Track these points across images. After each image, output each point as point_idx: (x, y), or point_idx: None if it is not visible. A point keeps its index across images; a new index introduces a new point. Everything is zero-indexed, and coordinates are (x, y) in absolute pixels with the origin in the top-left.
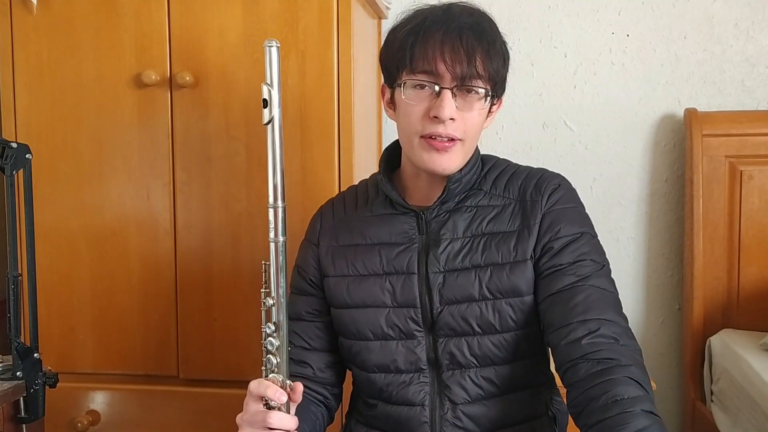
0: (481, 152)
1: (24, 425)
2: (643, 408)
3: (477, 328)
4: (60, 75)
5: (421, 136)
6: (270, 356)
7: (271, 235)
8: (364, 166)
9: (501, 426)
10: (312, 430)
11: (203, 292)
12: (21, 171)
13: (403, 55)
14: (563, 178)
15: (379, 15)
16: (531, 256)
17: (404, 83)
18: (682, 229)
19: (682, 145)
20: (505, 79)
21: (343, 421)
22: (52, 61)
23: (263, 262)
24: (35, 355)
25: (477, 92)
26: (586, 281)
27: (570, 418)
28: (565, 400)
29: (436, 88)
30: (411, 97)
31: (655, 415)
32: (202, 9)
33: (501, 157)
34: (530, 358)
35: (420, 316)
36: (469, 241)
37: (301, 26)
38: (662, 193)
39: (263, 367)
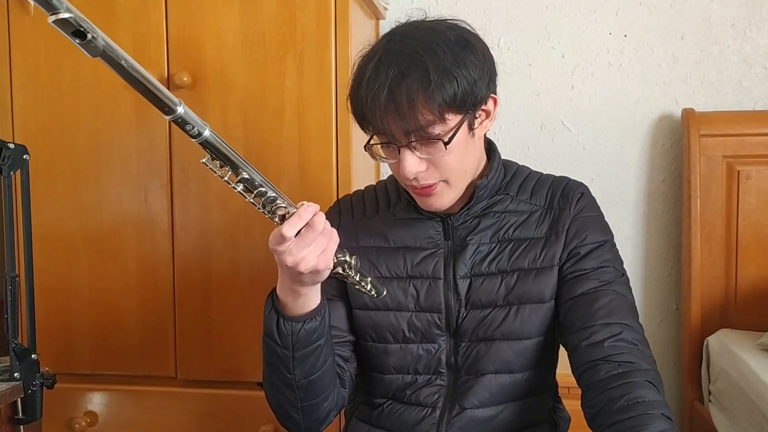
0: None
1: (22, 426)
2: (662, 412)
3: (499, 334)
4: (58, 76)
5: (405, 185)
6: (268, 206)
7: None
8: (362, 167)
9: (505, 431)
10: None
11: (201, 292)
12: (18, 172)
13: (357, 118)
14: (586, 186)
15: (377, 15)
16: (557, 262)
17: (372, 142)
18: (679, 229)
19: (680, 145)
20: (475, 84)
21: (341, 422)
22: (50, 62)
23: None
24: (33, 356)
25: (435, 138)
26: (609, 286)
27: (572, 423)
28: (566, 408)
29: (396, 145)
30: (382, 155)
31: (672, 420)
32: (199, 9)
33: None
34: (543, 366)
35: (444, 320)
36: (496, 246)
37: (299, 27)
38: (660, 193)
39: (275, 219)
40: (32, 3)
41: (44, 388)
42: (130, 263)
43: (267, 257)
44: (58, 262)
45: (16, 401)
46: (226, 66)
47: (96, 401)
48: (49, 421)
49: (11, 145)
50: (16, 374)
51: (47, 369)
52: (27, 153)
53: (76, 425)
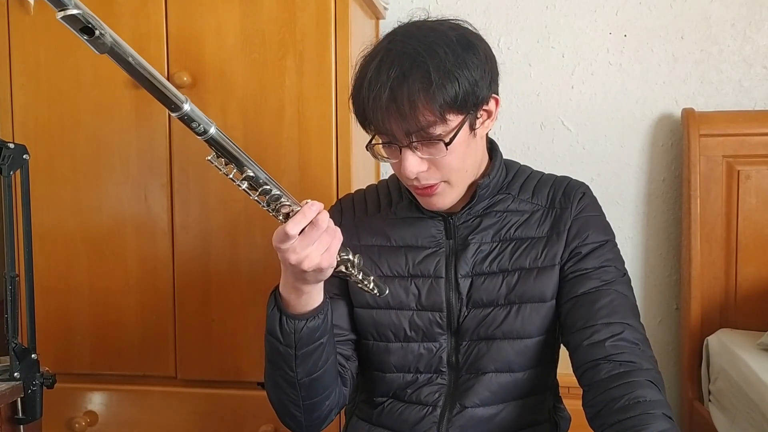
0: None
1: (22, 426)
2: (663, 411)
3: (500, 333)
4: (57, 75)
5: (407, 184)
6: (272, 204)
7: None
8: (362, 166)
9: (505, 430)
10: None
11: (201, 292)
12: (18, 171)
13: (358, 118)
14: (588, 186)
15: (377, 15)
16: (559, 262)
17: (374, 141)
18: (679, 229)
19: (680, 145)
20: (476, 84)
21: (341, 421)
22: (50, 62)
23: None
24: (33, 355)
25: (437, 138)
26: (610, 286)
27: (573, 422)
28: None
29: (397, 145)
30: (383, 155)
31: (673, 419)
32: (199, 9)
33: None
34: (544, 365)
35: (445, 319)
36: (498, 245)
37: (298, 27)
38: (660, 193)
39: (279, 217)
40: (32, 2)
41: (44, 387)
42: (130, 263)
43: (267, 257)
44: (58, 262)
45: (16, 401)
46: (226, 66)
47: (96, 401)
48: (49, 421)
49: (11, 145)
50: (16, 374)
51: (47, 369)
52: (27, 153)
53: (76, 425)
